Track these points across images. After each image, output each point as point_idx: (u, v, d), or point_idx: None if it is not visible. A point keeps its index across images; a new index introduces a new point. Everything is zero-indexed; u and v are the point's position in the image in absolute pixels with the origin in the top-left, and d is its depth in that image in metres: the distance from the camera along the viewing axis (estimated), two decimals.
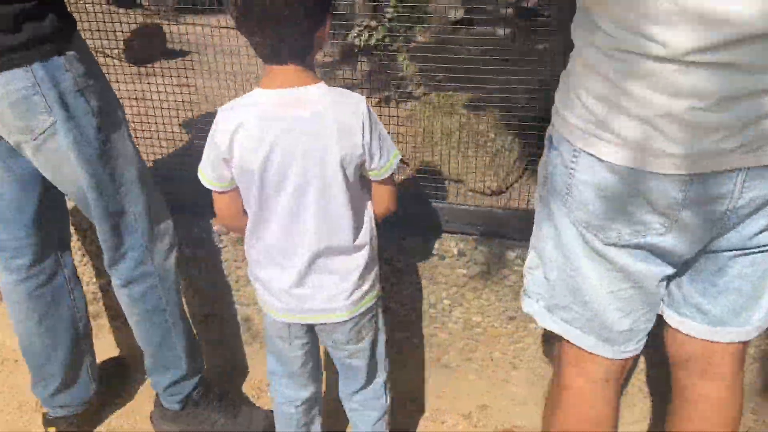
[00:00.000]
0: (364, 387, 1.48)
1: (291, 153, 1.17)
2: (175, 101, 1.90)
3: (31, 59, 1.26)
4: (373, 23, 2.41)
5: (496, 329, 1.78)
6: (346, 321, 1.33)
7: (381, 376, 1.49)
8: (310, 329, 1.39)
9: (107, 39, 1.89)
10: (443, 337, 1.84)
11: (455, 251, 1.70)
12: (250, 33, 1.13)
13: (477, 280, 1.72)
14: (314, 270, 1.29)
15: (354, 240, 1.28)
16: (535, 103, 1.92)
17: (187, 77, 1.92)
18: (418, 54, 2.36)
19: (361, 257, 1.31)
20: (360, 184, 1.28)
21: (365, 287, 1.33)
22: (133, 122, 1.81)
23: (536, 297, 1.22)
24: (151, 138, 1.93)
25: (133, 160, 1.49)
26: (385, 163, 1.25)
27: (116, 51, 2.87)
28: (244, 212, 1.31)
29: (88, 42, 1.51)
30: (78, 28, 1.42)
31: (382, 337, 1.45)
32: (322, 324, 1.35)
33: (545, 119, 1.15)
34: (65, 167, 1.39)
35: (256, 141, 1.17)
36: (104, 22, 1.85)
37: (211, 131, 1.23)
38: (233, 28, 1.78)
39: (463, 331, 1.81)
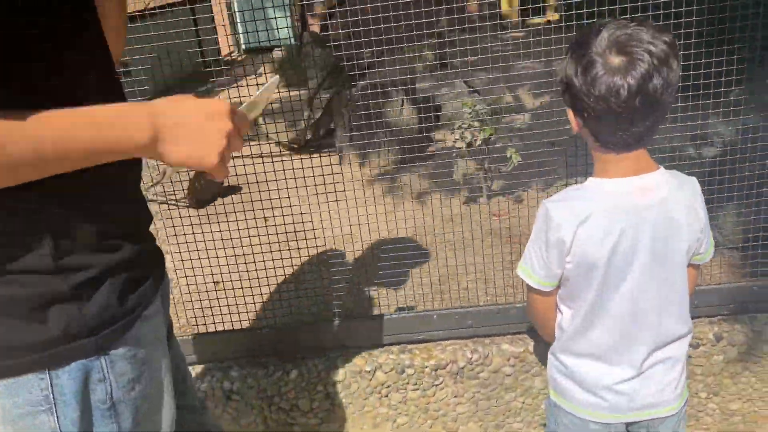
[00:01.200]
0: None
1: (638, 242, 1.08)
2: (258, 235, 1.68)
3: (53, 362, 0.74)
4: (476, 123, 2.34)
5: (758, 413, 1.63)
6: (674, 414, 1.19)
7: None
8: (627, 427, 1.22)
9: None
10: None
11: (711, 336, 1.57)
12: (629, 123, 1.01)
13: (735, 365, 1.58)
14: (648, 363, 1.15)
15: (686, 326, 1.17)
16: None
17: (253, 212, 1.71)
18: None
19: (687, 342, 1.19)
20: None
21: (685, 375, 1.21)
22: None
23: None
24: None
25: None
26: (708, 246, 1.17)
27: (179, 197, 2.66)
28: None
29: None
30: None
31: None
32: (648, 420, 1.19)
33: None
34: None
35: (604, 232, 1.07)
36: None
37: (541, 229, 1.12)
38: (270, 156, 1.61)
39: (720, 423, 1.65)
